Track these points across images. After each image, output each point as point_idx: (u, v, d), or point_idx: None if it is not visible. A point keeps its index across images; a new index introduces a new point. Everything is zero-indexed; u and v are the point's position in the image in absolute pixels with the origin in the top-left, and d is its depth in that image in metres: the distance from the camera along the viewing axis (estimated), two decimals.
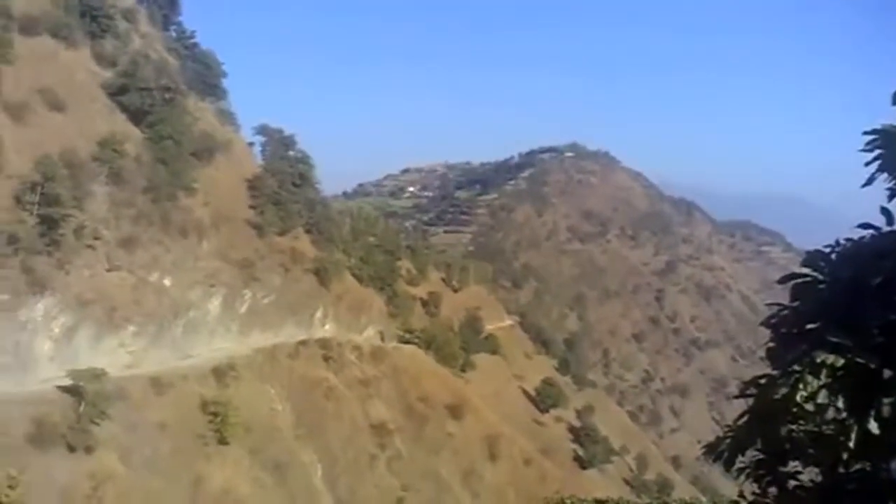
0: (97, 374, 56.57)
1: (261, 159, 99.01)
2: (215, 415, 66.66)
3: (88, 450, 54.72)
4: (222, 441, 66.29)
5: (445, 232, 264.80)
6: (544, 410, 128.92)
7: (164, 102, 78.97)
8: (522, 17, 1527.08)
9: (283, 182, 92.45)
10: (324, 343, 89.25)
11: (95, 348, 62.30)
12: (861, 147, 6.06)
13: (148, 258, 69.14)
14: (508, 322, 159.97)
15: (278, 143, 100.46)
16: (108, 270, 65.13)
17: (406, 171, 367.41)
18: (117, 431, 57.91)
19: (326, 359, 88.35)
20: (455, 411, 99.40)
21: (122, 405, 59.47)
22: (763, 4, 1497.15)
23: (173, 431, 62.81)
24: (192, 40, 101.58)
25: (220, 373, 71.69)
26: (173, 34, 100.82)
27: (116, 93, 76.22)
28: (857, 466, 6.09)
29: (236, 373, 73.25)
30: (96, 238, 63.75)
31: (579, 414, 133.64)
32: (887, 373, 5.42)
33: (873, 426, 5.45)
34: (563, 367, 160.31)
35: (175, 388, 66.30)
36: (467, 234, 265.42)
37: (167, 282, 71.00)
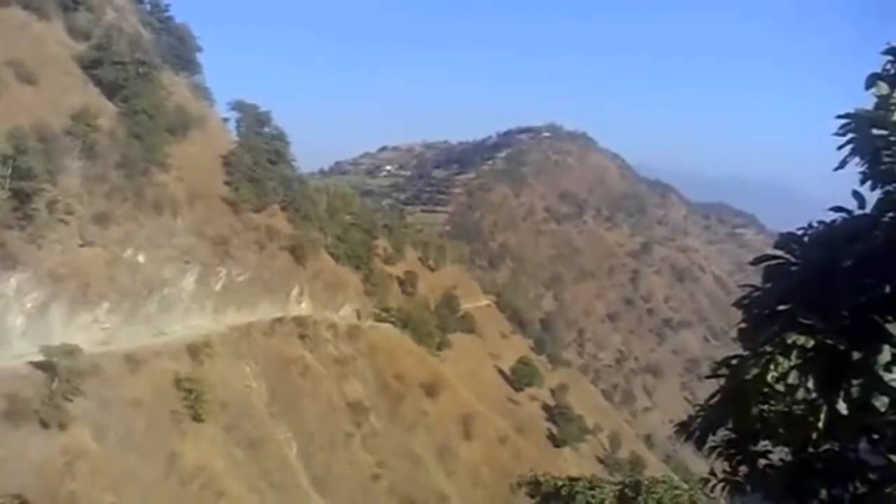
0: (71, 350, 56.21)
1: (236, 135, 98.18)
2: (190, 392, 66.42)
3: (62, 426, 54.42)
4: (197, 418, 66.13)
5: (422, 211, 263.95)
6: (519, 389, 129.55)
7: (139, 76, 78.05)
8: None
9: (259, 159, 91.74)
10: (299, 321, 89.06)
11: (69, 324, 61.83)
12: (834, 131, 6.10)
13: (122, 234, 68.51)
14: (485, 302, 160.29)
15: (254, 120, 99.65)
16: (82, 246, 64.49)
17: (383, 149, 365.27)
18: (91, 408, 57.62)
19: (302, 337, 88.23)
20: (430, 390, 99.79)
21: (96, 381, 59.15)
22: None
23: (147, 408, 62.58)
24: (167, 13, 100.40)
25: (195, 350, 71.38)
26: (147, 7, 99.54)
27: (90, 66, 75.20)
28: (826, 446, 6.19)
29: (211, 350, 72.93)
30: (69, 213, 63.02)
31: (554, 393, 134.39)
32: (856, 355, 5.49)
33: (842, 407, 5.52)
34: (539, 346, 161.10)
35: (149, 364, 65.99)
36: (444, 214, 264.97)
37: (141, 258, 70.42)
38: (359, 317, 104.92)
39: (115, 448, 57.45)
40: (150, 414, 62.50)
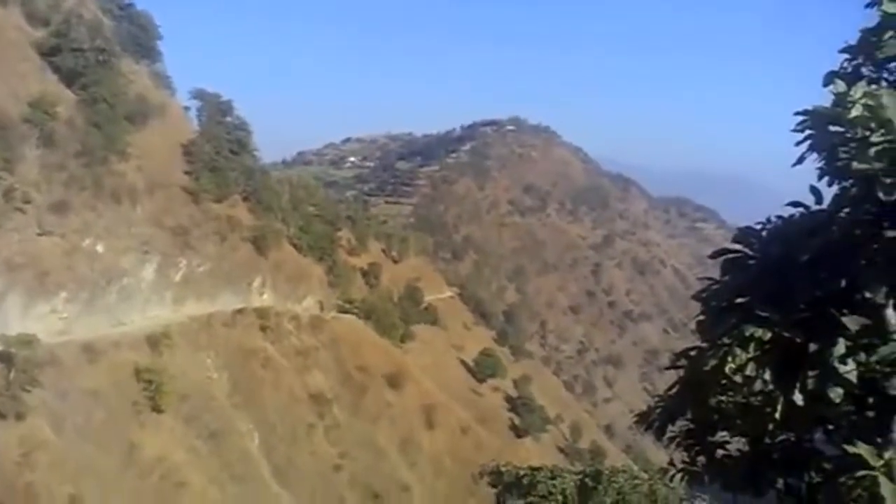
0: (28, 341, 55.36)
1: (197, 125, 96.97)
2: (149, 382, 65.80)
3: (19, 416, 53.62)
4: (157, 409, 65.56)
5: (386, 203, 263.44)
6: (482, 380, 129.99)
7: (98, 64, 76.70)
8: None
9: (220, 148, 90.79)
10: (261, 312, 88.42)
11: (26, 314, 60.83)
12: (793, 127, 6.18)
13: (80, 223, 67.48)
14: (448, 293, 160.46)
15: (215, 109, 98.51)
16: (40, 235, 63.43)
17: (347, 140, 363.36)
18: (49, 398, 56.81)
19: (263, 328, 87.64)
20: (393, 381, 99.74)
21: (54, 372, 58.32)
22: None
23: (106, 399, 61.86)
24: (127, 1, 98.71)
25: (155, 340, 70.65)
26: None
27: (49, 53, 73.75)
28: (782, 437, 6.30)
29: (171, 341, 72.24)
30: (27, 202, 61.91)
31: (516, 384, 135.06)
32: (812, 347, 5.58)
33: (798, 398, 5.61)
34: (502, 338, 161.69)
35: (108, 355, 65.20)
36: (408, 206, 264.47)
37: (100, 248, 69.44)
38: (321, 308, 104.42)
39: (73, 439, 56.70)
40: (108, 405, 61.77)
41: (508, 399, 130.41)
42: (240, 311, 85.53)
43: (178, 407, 67.87)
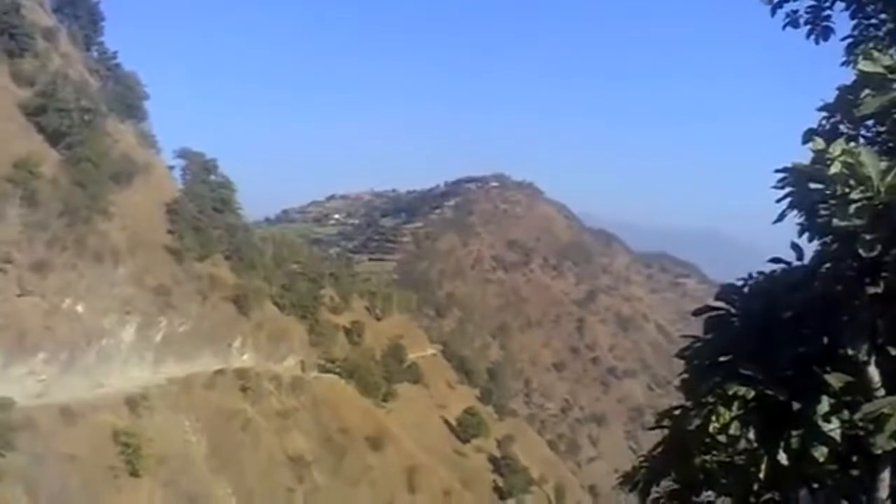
0: (4, 404, 54.46)
1: (181, 183, 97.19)
2: (127, 446, 64.63)
3: None
4: (134, 473, 64.30)
5: (370, 260, 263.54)
6: (465, 440, 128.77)
7: (84, 124, 76.95)
8: (452, 50, 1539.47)
9: (204, 207, 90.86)
10: (241, 373, 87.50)
11: (3, 376, 59.83)
12: (773, 184, 6.20)
13: (61, 283, 66.96)
14: (431, 351, 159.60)
15: (200, 167, 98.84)
16: (20, 295, 62.81)
17: (331, 197, 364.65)
18: (24, 463, 55.62)
19: (244, 389, 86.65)
20: (375, 442, 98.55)
21: (30, 435, 57.21)
22: (691, 40, 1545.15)
23: (83, 463, 60.67)
24: (114, 61, 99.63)
25: (133, 403, 69.68)
26: (95, 55, 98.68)
27: (34, 113, 73.92)
28: (767, 496, 6.22)
29: (149, 403, 71.29)
30: (7, 262, 61.50)
31: (500, 444, 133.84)
32: (796, 405, 5.54)
33: (782, 457, 5.55)
34: (485, 396, 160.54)
35: (86, 418, 64.13)
36: (392, 263, 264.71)
37: (80, 308, 68.82)
38: (303, 368, 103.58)
39: None
40: (85, 469, 60.58)
41: (492, 459, 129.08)
42: (220, 371, 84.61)
43: (155, 471, 66.64)
